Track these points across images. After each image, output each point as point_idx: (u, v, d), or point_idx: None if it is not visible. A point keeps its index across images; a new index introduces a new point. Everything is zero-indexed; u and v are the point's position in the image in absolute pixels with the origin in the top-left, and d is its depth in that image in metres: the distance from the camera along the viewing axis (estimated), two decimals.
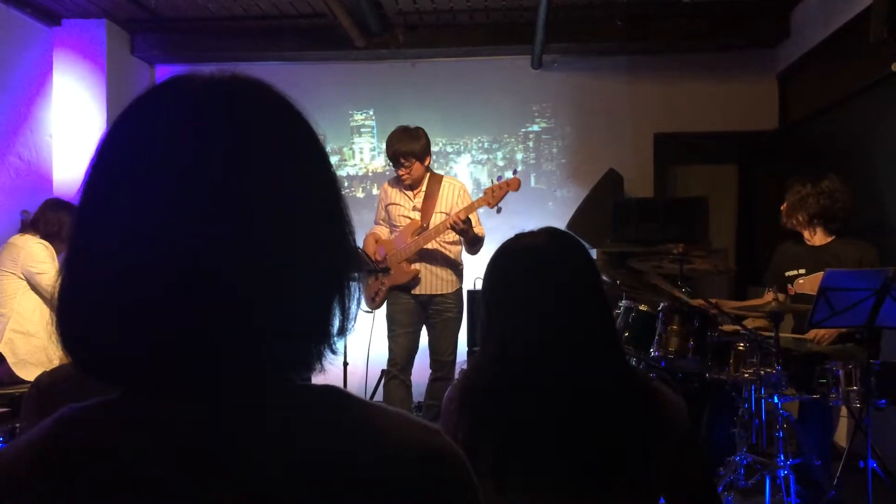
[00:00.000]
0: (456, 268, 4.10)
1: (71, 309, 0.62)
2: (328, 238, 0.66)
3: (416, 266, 3.98)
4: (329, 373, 0.67)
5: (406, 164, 3.94)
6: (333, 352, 0.66)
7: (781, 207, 3.73)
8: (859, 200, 3.72)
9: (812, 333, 3.49)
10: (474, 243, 3.97)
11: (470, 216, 3.84)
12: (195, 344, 0.59)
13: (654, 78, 5.89)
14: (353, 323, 0.67)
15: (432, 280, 4.01)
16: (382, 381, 4.21)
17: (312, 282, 0.63)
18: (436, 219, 3.97)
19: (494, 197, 3.83)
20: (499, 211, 3.87)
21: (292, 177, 0.64)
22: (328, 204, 0.67)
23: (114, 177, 0.62)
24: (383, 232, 4.17)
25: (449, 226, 3.78)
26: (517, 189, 3.89)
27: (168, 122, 0.63)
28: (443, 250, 4.02)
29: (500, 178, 3.90)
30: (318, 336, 0.64)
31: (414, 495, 0.61)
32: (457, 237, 4.02)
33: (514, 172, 3.94)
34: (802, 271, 3.61)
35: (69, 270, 0.62)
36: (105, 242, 0.60)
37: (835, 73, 4.75)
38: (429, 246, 3.95)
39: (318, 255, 0.64)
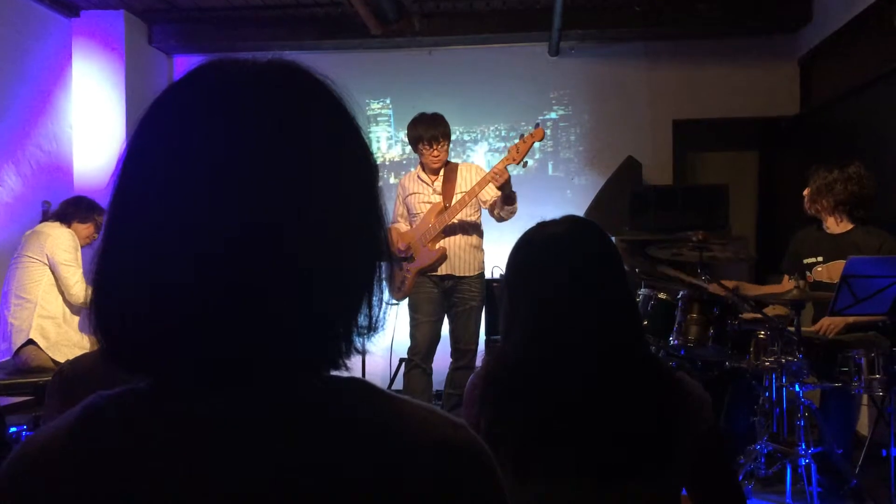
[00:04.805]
0: (479, 250, 4.12)
1: (105, 295, 0.62)
2: (363, 230, 0.65)
3: (442, 244, 4.00)
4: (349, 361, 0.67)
5: (440, 146, 3.99)
6: (358, 350, 0.65)
7: (804, 193, 3.66)
8: (881, 187, 3.64)
9: (818, 325, 3.44)
10: (511, 202, 3.91)
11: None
12: (227, 338, 0.58)
13: (672, 64, 5.82)
14: (382, 320, 0.66)
15: (457, 261, 4.01)
16: (403, 369, 4.22)
17: (346, 277, 0.63)
18: (457, 199, 3.98)
19: (520, 152, 3.81)
20: (525, 165, 3.85)
21: (331, 165, 0.63)
22: (365, 192, 0.66)
23: (151, 162, 0.61)
24: (403, 227, 4.19)
25: (489, 179, 3.76)
26: (542, 139, 3.87)
27: (205, 107, 0.62)
28: (466, 232, 4.04)
29: (521, 136, 3.88)
30: (347, 333, 0.64)
31: (439, 490, 0.60)
32: (478, 217, 4.08)
33: (537, 125, 3.91)
34: (820, 259, 3.56)
35: (104, 256, 0.62)
36: (141, 229, 0.60)
37: (857, 57, 4.67)
38: (454, 221, 3.95)
39: (352, 249, 0.63)
